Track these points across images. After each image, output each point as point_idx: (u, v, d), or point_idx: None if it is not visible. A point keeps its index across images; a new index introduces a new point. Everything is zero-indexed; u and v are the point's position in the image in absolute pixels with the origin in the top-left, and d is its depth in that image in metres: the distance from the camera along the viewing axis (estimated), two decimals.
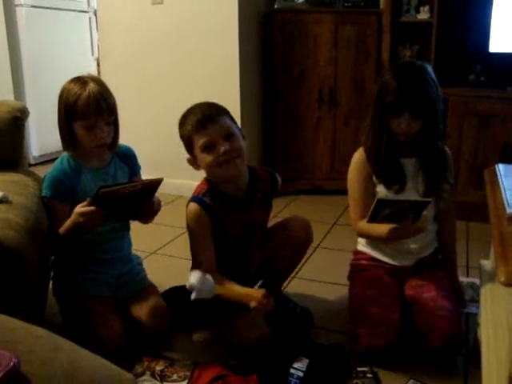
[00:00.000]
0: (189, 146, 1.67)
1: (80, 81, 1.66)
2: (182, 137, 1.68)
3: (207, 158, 1.62)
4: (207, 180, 1.71)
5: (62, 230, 1.60)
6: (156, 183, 1.60)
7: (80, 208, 1.54)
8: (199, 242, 1.68)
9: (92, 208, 1.52)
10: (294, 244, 1.80)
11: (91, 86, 1.63)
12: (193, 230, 1.68)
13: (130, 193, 1.55)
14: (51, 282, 1.80)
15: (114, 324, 1.63)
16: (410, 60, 1.65)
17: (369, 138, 1.72)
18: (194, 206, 1.66)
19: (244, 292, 1.61)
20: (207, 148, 1.61)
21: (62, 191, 1.67)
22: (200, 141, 1.61)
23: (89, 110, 1.62)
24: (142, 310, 1.71)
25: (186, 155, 1.70)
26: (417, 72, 1.63)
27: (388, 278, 1.77)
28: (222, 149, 1.59)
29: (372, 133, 1.70)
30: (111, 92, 1.71)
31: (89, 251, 1.75)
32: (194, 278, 1.54)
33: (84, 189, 1.69)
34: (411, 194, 1.71)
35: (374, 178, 1.73)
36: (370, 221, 1.58)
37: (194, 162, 1.69)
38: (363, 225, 1.69)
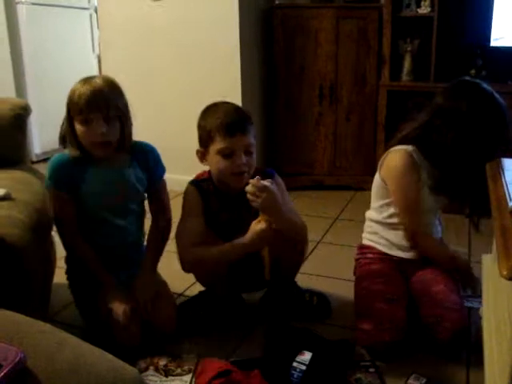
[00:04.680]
0: (205, 140, 1.64)
1: (87, 79, 1.61)
2: (202, 128, 1.66)
3: (221, 163, 1.62)
4: (209, 172, 1.73)
5: (90, 264, 1.67)
6: None
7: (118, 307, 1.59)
8: (191, 211, 1.68)
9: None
10: (288, 249, 1.71)
11: (95, 82, 1.57)
12: (185, 205, 1.71)
13: None
14: (66, 276, 1.80)
15: (131, 319, 1.61)
16: (476, 81, 1.72)
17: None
18: (190, 187, 1.72)
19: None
20: (225, 154, 1.61)
21: (62, 180, 1.65)
22: (221, 144, 1.60)
23: (83, 102, 1.55)
24: (152, 314, 1.68)
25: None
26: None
27: (395, 272, 1.77)
28: (239, 162, 1.60)
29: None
30: (121, 92, 1.64)
31: (99, 251, 1.71)
32: None
33: (87, 187, 1.65)
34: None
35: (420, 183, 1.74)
36: None
37: (202, 156, 1.69)
38: (432, 241, 1.80)
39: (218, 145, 1.60)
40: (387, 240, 1.82)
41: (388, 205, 1.80)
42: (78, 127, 1.59)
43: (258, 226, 1.56)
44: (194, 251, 1.62)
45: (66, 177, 1.65)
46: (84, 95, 1.55)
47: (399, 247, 1.81)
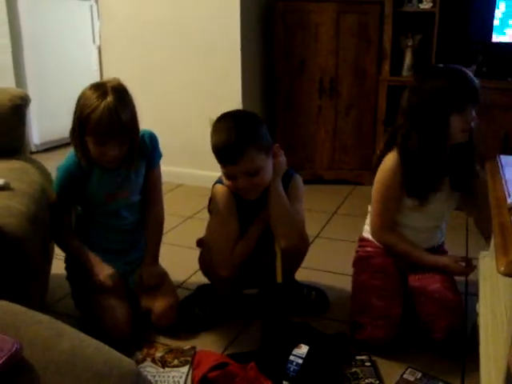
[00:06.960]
0: None
1: (100, 90, 1.55)
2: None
3: (227, 181, 1.63)
4: None
5: (75, 253, 1.72)
6: None
7: (105, 279, 1.66)
8: (225, 216, 1.67)
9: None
10: (287, 253, 1.73)
11: (108, 100, 1.52)
12: (218, 207, 1.67)
13: None
14: (64, 266, 1.81)
15: (119, 312, 1.63)
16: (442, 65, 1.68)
17: (420, 146, 1.65)
18: (220, 186, 1.68)
19: None
20: (228, 177, 1.61)
21: (68, 188, 1.69)
22: (221, 168, 1.61)
23: (100, 128, 1.53)
24: (153, 302, 1.71)
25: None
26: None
27: (393, 267, 1.77)
28: (239, 186, 1.60)
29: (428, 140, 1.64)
30: (131, 103, 1.62)
31: (96, 238, 1.76)
32: None
33: (92, 189, 1.69)
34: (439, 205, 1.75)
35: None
36: None
37: None
38: (391, 239, 1.76)
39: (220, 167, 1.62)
40: None
41: None
42: (91, 145, 1.59)
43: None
44: (236, 251, 1.67)
45: (72, 182, 1.68)
46: (103, 122, 1.52)
47: None
